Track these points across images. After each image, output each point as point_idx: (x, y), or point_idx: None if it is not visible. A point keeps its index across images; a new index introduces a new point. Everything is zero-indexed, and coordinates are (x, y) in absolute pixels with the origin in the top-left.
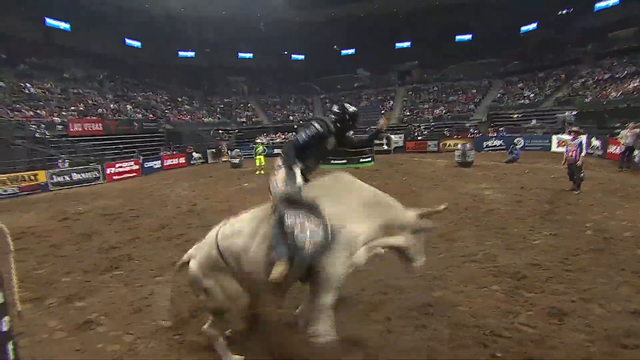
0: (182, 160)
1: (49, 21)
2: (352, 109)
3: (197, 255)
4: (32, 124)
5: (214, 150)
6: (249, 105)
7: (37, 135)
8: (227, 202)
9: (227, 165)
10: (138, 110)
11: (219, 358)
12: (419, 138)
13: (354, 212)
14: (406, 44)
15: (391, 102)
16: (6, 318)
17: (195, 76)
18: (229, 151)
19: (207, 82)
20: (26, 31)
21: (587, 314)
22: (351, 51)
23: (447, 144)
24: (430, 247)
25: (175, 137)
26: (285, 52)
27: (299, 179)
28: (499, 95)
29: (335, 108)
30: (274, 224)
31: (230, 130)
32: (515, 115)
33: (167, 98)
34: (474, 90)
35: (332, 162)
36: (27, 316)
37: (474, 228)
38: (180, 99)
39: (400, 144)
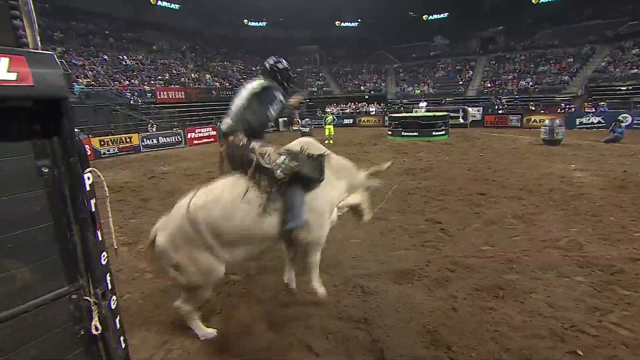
0: None
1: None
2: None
3: (166, 228)
4: (128, 92)
5: (286, 118)
6: (320, 74)
7: (131, 102)
8: None
9: (297, 133)
10: (216, 79)
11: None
12: (500, 112)
13: (327, 178)
14: (490, 7)
15: (470, 72)
16: (104, 254)
17: (268, 46)
18: (299, 120)
19: (280, 51)
20: (123, 9)
21: None
22: (429, 17)
23: (532, 119)
24: (505, 227)
25: None
26: (360, 20)
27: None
28: (603, 64)
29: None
30: (290, 194)
31: (300, 100)
32: (625, 88)
33: (242, 67)
34: (570, 59)
35: (402, 134)
36: (123, 257)
37: (560, 212)
38: (254, 68)
39: (478, 117)
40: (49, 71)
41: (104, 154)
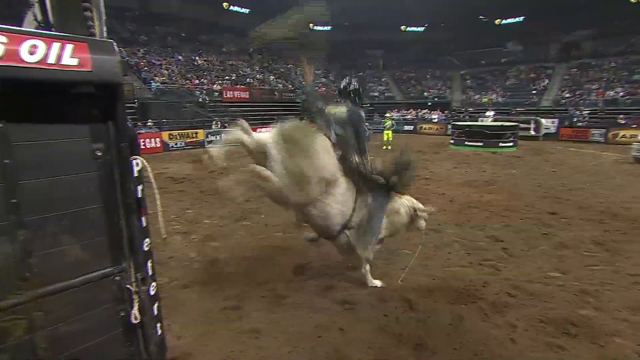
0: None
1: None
2: None
3: None
4: (197, 91)
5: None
6: (382, 79)
7: (199, 100)
8: None
9: None
10: (279, 80)
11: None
12: (579, 125)
13: None
14: (578, 9)
15: (546, 81)
16: (147, 240)
17: (332, 49)
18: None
19: (344, 55)
20: (201, 13)
21: None
22: (503, 21)
23: (621, 134)
24: (581, 253)
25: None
26: (427, 25)
27: None
28: None
29: None
30: None
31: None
32: None
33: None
34: None
35: (466, 143)
36: (176, 245)
37: None
38: (317, 72)
39: (552, 130)
40: (107, 58)
41: (172, 147)
